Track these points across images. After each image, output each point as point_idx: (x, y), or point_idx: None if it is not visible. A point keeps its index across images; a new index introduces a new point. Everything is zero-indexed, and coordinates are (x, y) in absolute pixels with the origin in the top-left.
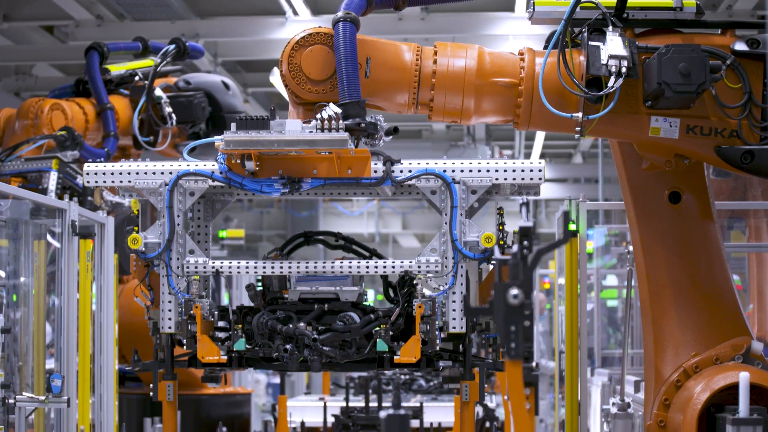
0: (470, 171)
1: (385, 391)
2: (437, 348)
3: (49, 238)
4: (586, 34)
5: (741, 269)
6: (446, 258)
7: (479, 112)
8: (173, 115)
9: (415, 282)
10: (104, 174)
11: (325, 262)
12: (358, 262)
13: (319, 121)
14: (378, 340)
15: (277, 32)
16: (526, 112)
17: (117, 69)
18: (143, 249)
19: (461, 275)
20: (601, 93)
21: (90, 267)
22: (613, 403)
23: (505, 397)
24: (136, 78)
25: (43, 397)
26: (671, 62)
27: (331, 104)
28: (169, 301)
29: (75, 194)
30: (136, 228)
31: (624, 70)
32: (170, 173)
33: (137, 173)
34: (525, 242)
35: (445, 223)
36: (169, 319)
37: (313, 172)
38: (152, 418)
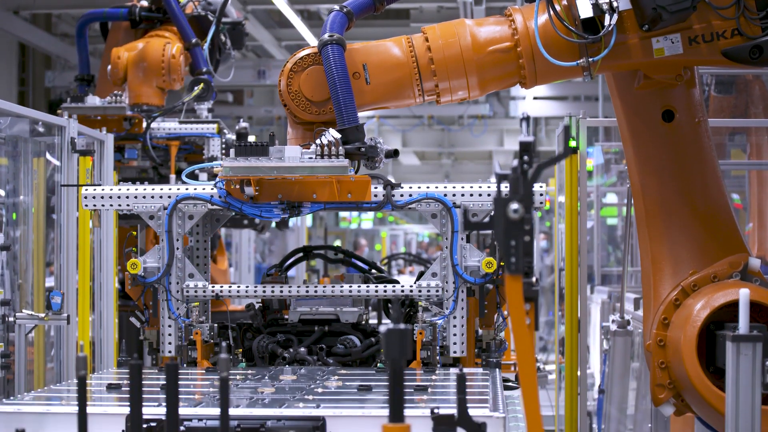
0: (471, 195)
1: None
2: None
3: (48, 155)
4: None
5: (741, 188)
6: (447, 282)
7: (485, 84)
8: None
9: (416, 301)
10: (102, 198)
11: (325, 286)
12: (359, 286)
13: (318, 147)
14: (379, 363)
15: None
16: (531, 71)
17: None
18: (143, 273)
19: (462, 300)
20: (599, 34)
21: (90, 183)
22: (613, 321)
23: (505, 312)
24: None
25: (42, 315)
26: None
27: (330, 129)
28: (170, 326)
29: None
30: (135, 249)
31: (615, 4)
32: (169, 197)
33: (136, 197)
34: (525, 157)
35: (446, 248)
36: (170, 343)
37: (312, 196)
38: None
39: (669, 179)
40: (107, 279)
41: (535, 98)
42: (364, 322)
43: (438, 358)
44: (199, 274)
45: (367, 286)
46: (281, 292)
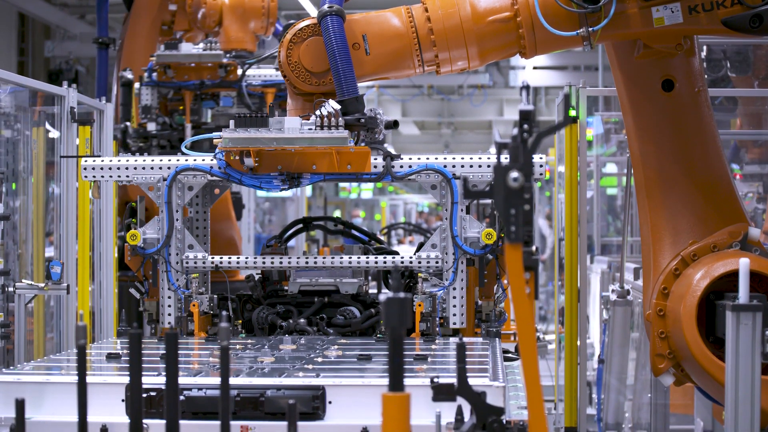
0: (471, 166)
1: None
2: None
3: (47, 125)
4: None
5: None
6: (447, 254)
7: (484, 54)
8: None
9: (416, 273)
10: (102, 169)
11: (324, 257)
12: (358, 257)
13: (318, 118)
14: (379, 334)
15: None
16: (531, 41)
17: None
18: (142, 245)
19: (462, 271)
20: (599, 4)
21: (89, 153)
22: (613, 290)
23: (505, 282)
24: None
25: (42, 285)
26: None
27: (330, 100)
28: (169, 297)
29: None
30: (134, 220)
31: None
32: (168, 168)
33: (135, 168)
34: (525, 126)
35: (446, 219)
36: (169, 314)
37: (312, 168)
38: None
39: (669, 148)
40: (107, 249)
41: (535, 68)
42: (363, 293)
43: (437, 329)
44: (198, 245)
45: (367, 257)
46: (281, 263)
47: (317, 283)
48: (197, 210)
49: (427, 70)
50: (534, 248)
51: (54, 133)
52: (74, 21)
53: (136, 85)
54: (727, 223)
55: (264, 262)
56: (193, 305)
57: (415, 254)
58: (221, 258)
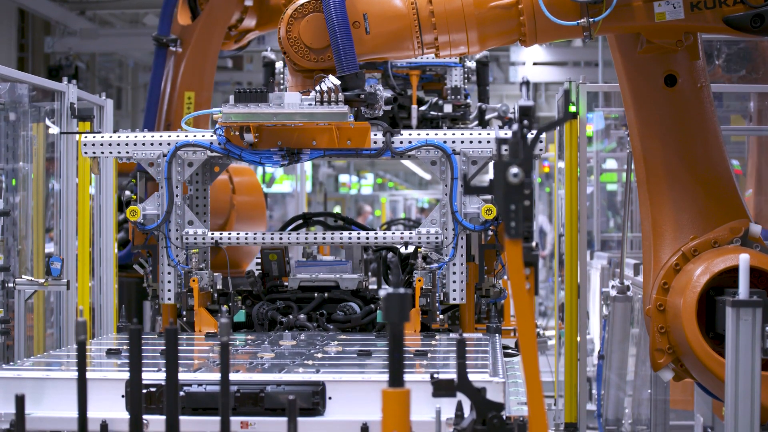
0: (471, 142)
1: None
2: (438, 320)
3: (47, 121)
4: None
5: (741, 154)
6: (446, 229)
7: (484, 39)
8: None
9: (420, 250)
10: (102, 145)
11: (324, 232)
12: (358, 233)
13: (318, 93)
14: (378, 311)
15: None
16: (531, 28)
17: None
18: (142, 220)
19: (461, 246)
20: None
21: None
22: (613, 286)
23: (505, 277)
24: None
25: (42, 280)
26: None
27: (330, 76)
28: (169, 273)
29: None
30: (134, 197)
31: None
32: (168, 144)
33: (135, 144)
34: (525, 121)
35: (445, 195)
36: (169, 290)
37: (312, 143)
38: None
39: (671, 143)
40: (107, 245)
41: (535, 64)
42: (363, 289)
43: (438, 305)
44: (198, 221)
45: (367, 234)
46: (280, 239)
47: (317, 278)
48: (197, 187)
49: (427, 53)
50: (534, 244)
51: (54, 129)
52: (74, 17)
53: (278, 65)
54: (728, 218)
55: (263, 239)
56: (193, 281)
57: (415, 230)
58: (221, 234)
